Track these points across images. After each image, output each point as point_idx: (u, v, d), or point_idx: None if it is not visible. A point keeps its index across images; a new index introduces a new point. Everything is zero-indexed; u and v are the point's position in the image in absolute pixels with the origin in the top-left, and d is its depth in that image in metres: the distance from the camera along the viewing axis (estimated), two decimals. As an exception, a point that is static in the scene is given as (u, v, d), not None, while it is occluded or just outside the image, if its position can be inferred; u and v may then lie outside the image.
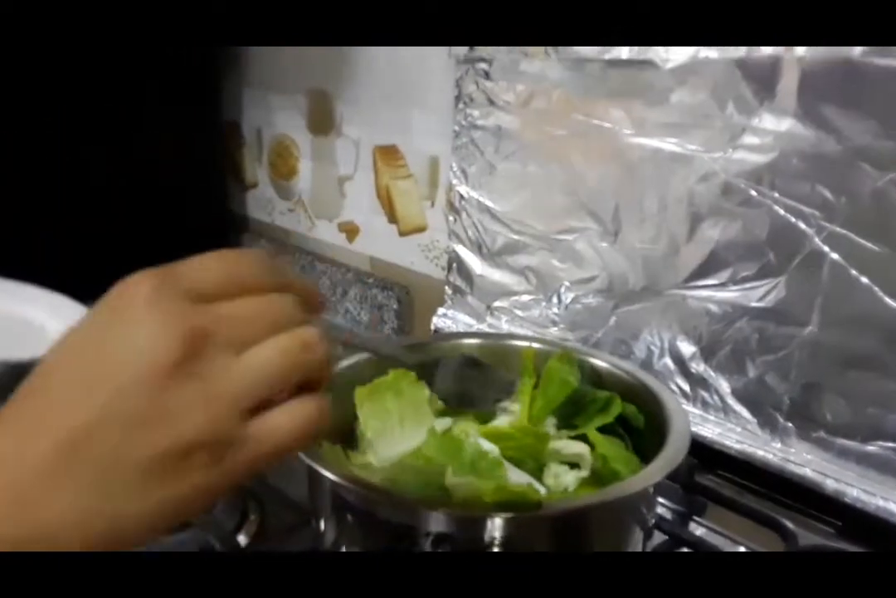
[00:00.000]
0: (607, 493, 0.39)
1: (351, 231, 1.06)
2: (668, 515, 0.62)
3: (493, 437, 0.47)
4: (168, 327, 0.28)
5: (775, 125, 0.58)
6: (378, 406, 0.49)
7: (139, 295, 0.29)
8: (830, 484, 0.58)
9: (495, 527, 0.37)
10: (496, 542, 0.37)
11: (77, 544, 0.27)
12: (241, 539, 0.58)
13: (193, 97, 1.14)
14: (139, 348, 0.28)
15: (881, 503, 0.56)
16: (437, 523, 0.38)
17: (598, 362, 0.54)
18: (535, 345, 0.57)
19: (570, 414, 0.51)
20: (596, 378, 0.53)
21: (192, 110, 1.15)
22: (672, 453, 0.41)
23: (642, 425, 0.49)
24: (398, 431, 0.49)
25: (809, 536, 0.57)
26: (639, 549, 0.43)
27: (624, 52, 0.66)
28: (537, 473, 0.46)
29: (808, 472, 0.60)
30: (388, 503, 0.38)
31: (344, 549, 0.42)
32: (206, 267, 0.31)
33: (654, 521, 0.45)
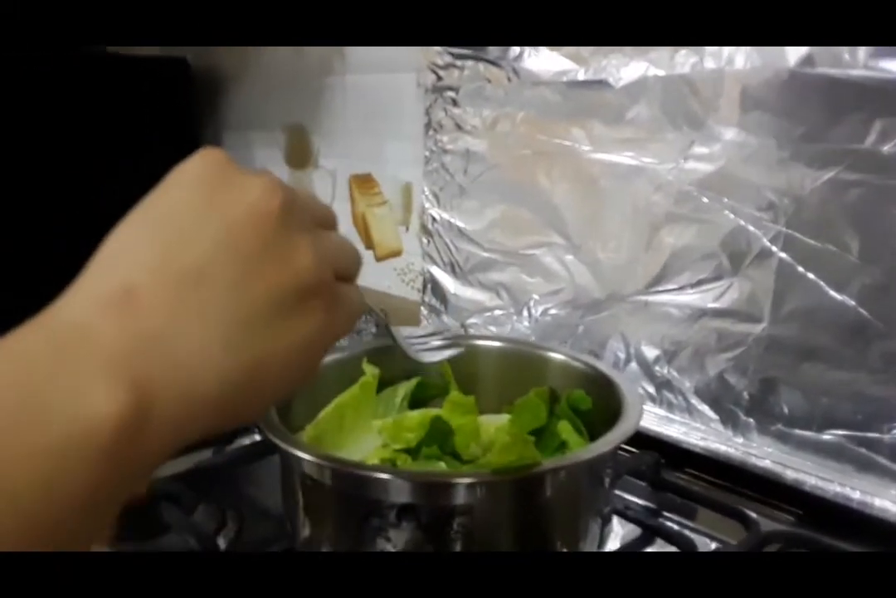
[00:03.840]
0: (568, 458, 0.41)
1: (329, 259, 1.09)
2: (639, 510, 0.64)
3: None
4: (274, 185, 0.30)
5: (721, 135, 0.63)
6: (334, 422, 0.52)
7: (223, 160, 0.31)
8: (790, 474, 0.61)
9: (458, 493, 0.39)
10: (458, 510, 0.39)
11: (215, 386, 0.27)
12: (221, 542, 0.59)
13: (173, 141, 1.18)
14: (250, 194, 0.29)
15: (838, 488, 0.58)
16: (401, 493, 0.40)
17: (557, 356, 0.56)
18: (499, 343, 0.59)
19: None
20: (556, 372, 0.56)
21: (172, 153, 1.19)
22: (625, 426, 0.43)
23: (589, 406, 0.52)
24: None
25: (771, 524, 0.60)
26: (597, 535, 0.45)
27: (580, 73, 0.70)
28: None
29: (768, 464, 0.62)
30: (357, 476, 0.40)
31: (317, 539, 0.44)
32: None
33: (610, 507, 0.47)
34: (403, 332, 0.53)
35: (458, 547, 0.40)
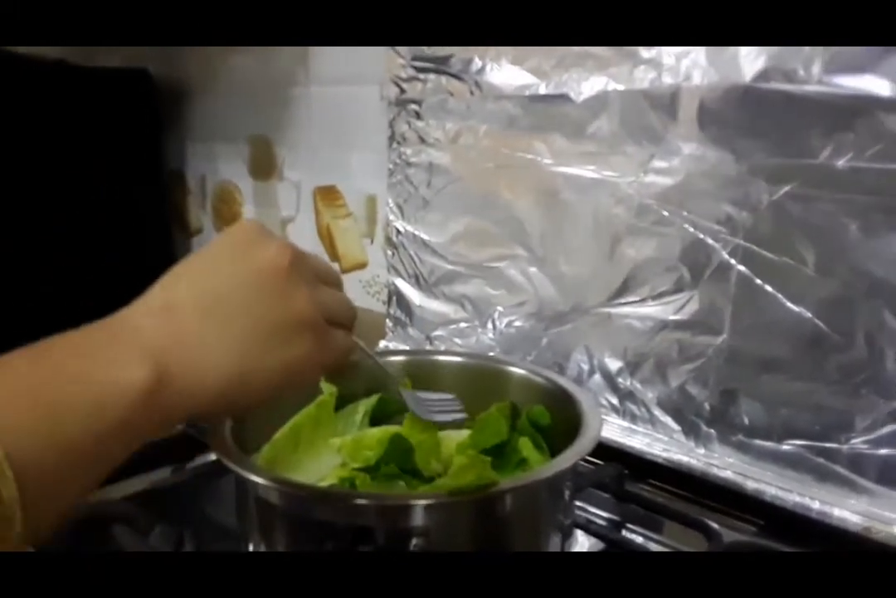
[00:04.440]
0: (526, 477, 0.41)
1: (294, 271, 1.09)
2: (602, 522, 0.64)
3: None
4: (288, 247, 0.40)
5: (680, 149, 0.63)
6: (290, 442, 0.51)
7: (253, 229, 0.41)
8: (750, 484, 0.61)
9: (415, 515, 0.39)
10: (416, 531, 0.39)
11: (216, 380, 0.36)
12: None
13: (136, 153, 1.17)
14: (269, 251, 0.39)
15: (798, 498, 0.59)
16: (357, 515, 0.39)
17: (518, 371, 0.56)
18: (460, 358, 0.59)
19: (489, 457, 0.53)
20: (517, 386, 0.56)
21: (136, 163, 1.18)
22: (583, 443, 0.43)
23: (548, 421, 0.52)
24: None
25: (733, 535, 0.60)
26: (559, 539, 0.45)
27: (542, 87, 0.71)
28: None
29: (729, 474, 0.62)
30: (310, 498, 0.40)
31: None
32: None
33: (571, 520, 0.47)
34: (418, 395, 0.53)
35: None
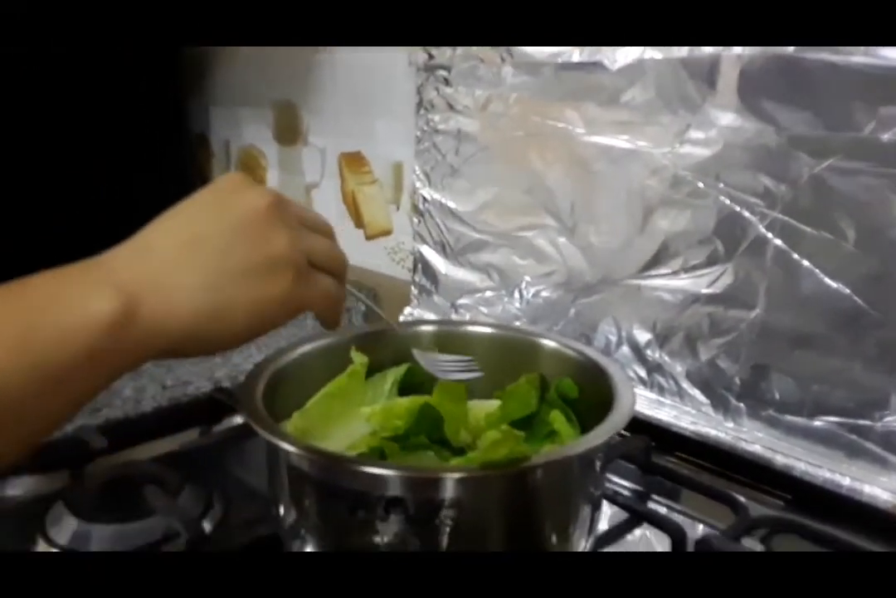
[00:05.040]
0: (557, 452, 0.41)
1: (318, 238, 1.08)
2: (628, 494, 0.64)
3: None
4: (260, 194, 0.40)
5: (718, 120, 0.62)
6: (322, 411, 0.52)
7: (236, 180, 0.42)
8: (780, 459, 0.61)
9: (446, 487, 0.39)
10: (447, 503, 0.39)
11: (188, 315, 0.37)
12: (206, 527, 0.59)
13: (160, 118, 1.16)
14: (252, 199, 0.40)
15: (828, 475, 0.59)
16: (389, 486, 0.39)
17: (549, 343, 0.56)
18: (490, 329, 0.59)
19: (517, 428, 0.53)
20: (547, 358, 0.56)
21: (160, 126, 1.17)
22: (616, 419, 0.43)
23: (576, 394, 0.52)
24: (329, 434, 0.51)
25: (760, 509, 0.60)
26: (588, 512, 0.44)
27: (575, 54, 0.69)
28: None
29: (758, 448, 0.62)
30: (344, 468, 0.40)
31: (303, 527, 0.44)
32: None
33: (601, 486, 0.47)
34: (431, 356, 0.54)
35: (446, 539, 0.40)
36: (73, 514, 0.58)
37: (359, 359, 0.54)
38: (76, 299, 0.35)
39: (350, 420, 0.51)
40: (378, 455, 0.48)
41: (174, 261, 0.38)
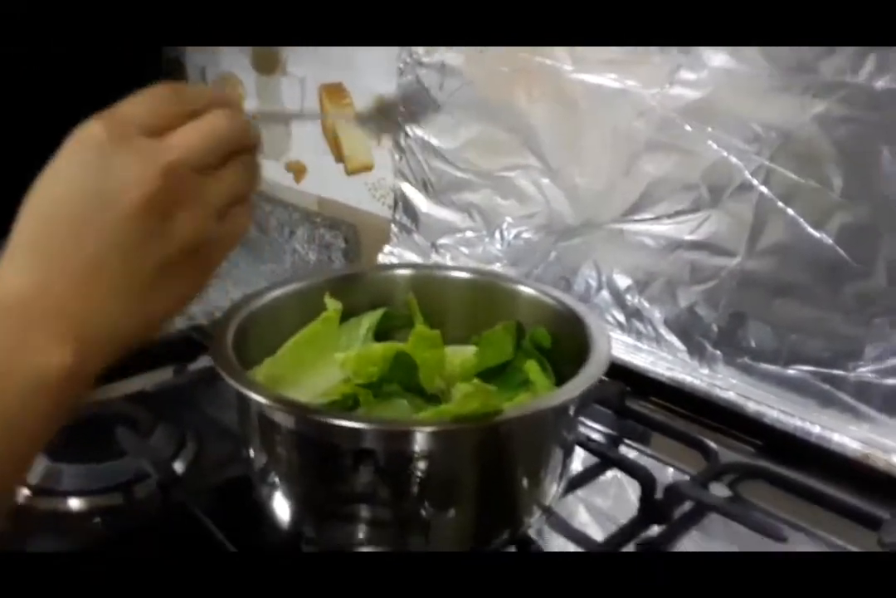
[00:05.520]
0: (531, 405, 0.40)
1: (298, 171, 1.06)
2: (600, 438, 0.65)
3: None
4: (145, 163, 0.32)
5: (710, 61, 0.60)
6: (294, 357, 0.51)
7: (102, 139, 0.33)
8: (752, 406, 0.61)
9: (417, 439, 0.38)
10: (417, 455, 0.39)
11: (126, 340, 0.34)
12: (178, 467, 0.59)
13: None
14: (126, 181, 0.32)
15: (799, 423, 0.59)
16: (360, 439, 0.39)
17: (527, 290, 0.55)
18: (468, 275, 0.58)
19: (492, 376, 0.53)
20: (525, 306, 0.55)
21: (131, 49, 1.12)
22: (591, 371, 0.43)
23: (549, 344, 0.51)
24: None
25: (731, 455, 0.60)
26: (559, 463, 0.45)
27: (565, -14, 0.66)
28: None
29: (732, 395, 0.62)
30: (313, 421, 0.39)
31: (274, 473, 0.43)
32: (145, 104, 0.34)
33: (574, 436, 0.47)
34: None
35: (417, 489, 0.40)
36: (43, 453, 0.57)
37: (332, 305, 0.53)
38: (27, 363, 0.31)
39: (323, 367, 0.50)
40: (351, 402, 0.48)
41: (83, 293, 0.33)
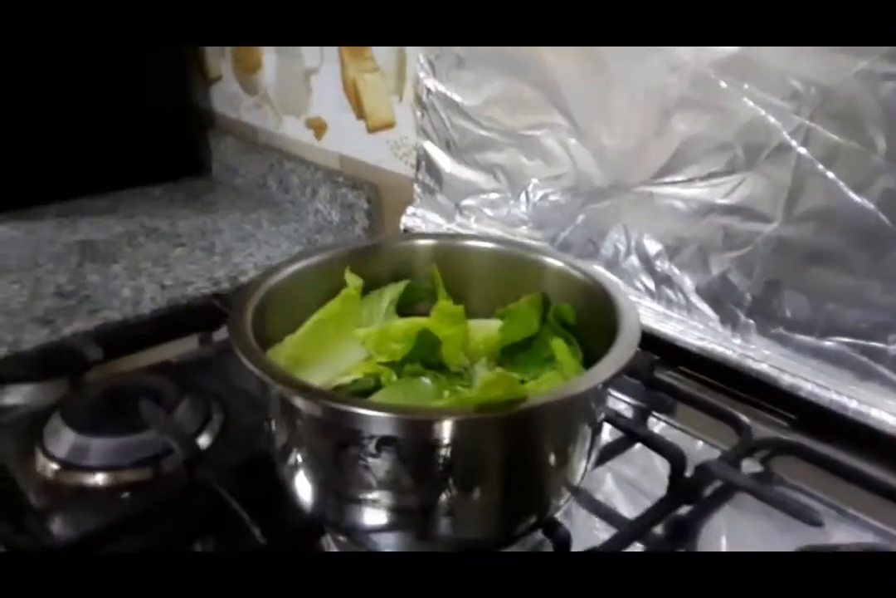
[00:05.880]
0: (556, 392, 0.39)
1: (319, 127, 1.04)
2: (628, 410, 0.63)
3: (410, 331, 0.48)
4: None
5: (747, 13, 0.56)
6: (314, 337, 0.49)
7: None
8: (786, 379, 0.59)
9: (441, 429, 0.37)
10: (441, 443, 0.38)
11: None
12: (203, 441, 0.58)
13: None
14: None
15: (835, 396, 0.57)
16: (381, 426, 0.38)
17: (554, 262, 0.53)
18: (493, 245, 0.56)
19: (516, 351, 0.51)
20: (552, 279, 0.53)
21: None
22: (619, 354, 0.41)
23: (573, 320, 0.50)
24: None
25: (764, 430, 0.59)
26: (587, 446, 0.43)
27: (594, -67, 0.62)
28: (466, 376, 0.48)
29: (765, 367, 0.61)
30: (335, 409, 0.38)
31: (293, 450, 0.43)
32: None
33: (602, 417, 0.45)
34: None
35: (440, 476, 0.39)
36: (71, 427, 0.58)
37: (353, 282, 0.51)
38: None
39: (345, 344, 0.49)
40: (374, 382, 0.47)
41: None
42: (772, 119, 0.57)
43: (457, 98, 0.80)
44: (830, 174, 0.55)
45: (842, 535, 0.51)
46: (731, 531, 0.51)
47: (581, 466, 0.45)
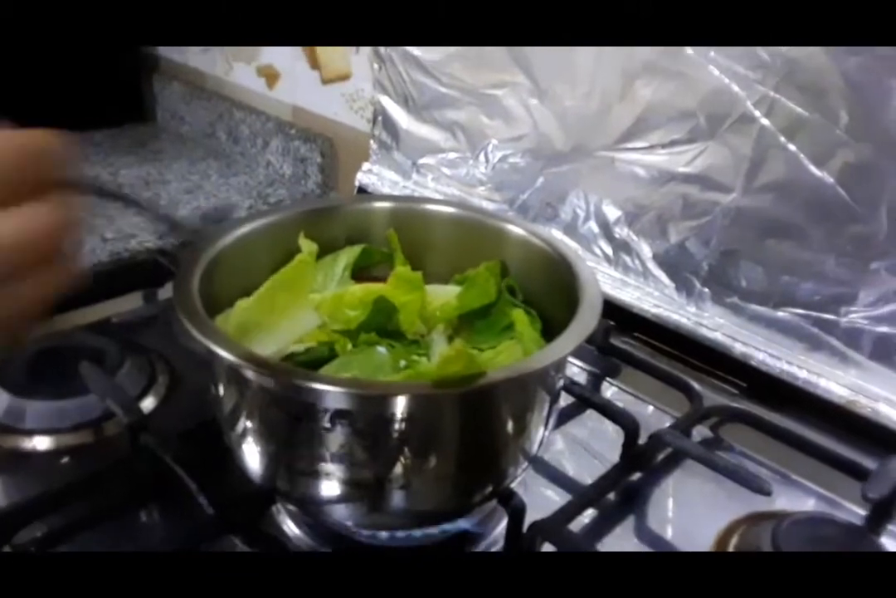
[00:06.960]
0: (517, 368, 0.38)
1: (270, 76, 1.00)
2: (581, 374, 0.64)
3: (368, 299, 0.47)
4: None
5: (718, -24, 0.55)
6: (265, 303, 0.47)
7: None
8: (739, 348, 0.60)
9: (397, 404, 0.37)
10: (397, 418, 0.37)
11: None
12: (148, 404, 0.57)
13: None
14: None
15: (785, 366, 0.58)
16: (336, 400, 0.37)
17: (514, 229, 0.52)
18: (452, 210, 0.54)
19: (474, 318, 0.50)
20: (512, 246, 0.52)
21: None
22: (579, 328, 0.40)
23: (521, 296, 0.50)
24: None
25: (715, 397, 0.60)
26: (544, 416, 0.43)
27: None
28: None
29: (718, 336, 0.61)
30: (287, 383, 0.37)
31: (243, 420, 0.41)
32: None
33: (560, 387, 0.45)
34: None
35: (395, 450, 0.38)
36: (4, 388, 0.55)
37: (308, 248, 0.50)
38: None
39: (298, 310, 0.48)
40: (328, 351, 0.46)
41: None
42: (736, 88, 0.56)
43: (415, 51, 0.77)
44: (792, 147, 0.55)
45: (785, 500, 0.52)
46: (680, 497, 0.52)
47: (538, 435, 0.45)
